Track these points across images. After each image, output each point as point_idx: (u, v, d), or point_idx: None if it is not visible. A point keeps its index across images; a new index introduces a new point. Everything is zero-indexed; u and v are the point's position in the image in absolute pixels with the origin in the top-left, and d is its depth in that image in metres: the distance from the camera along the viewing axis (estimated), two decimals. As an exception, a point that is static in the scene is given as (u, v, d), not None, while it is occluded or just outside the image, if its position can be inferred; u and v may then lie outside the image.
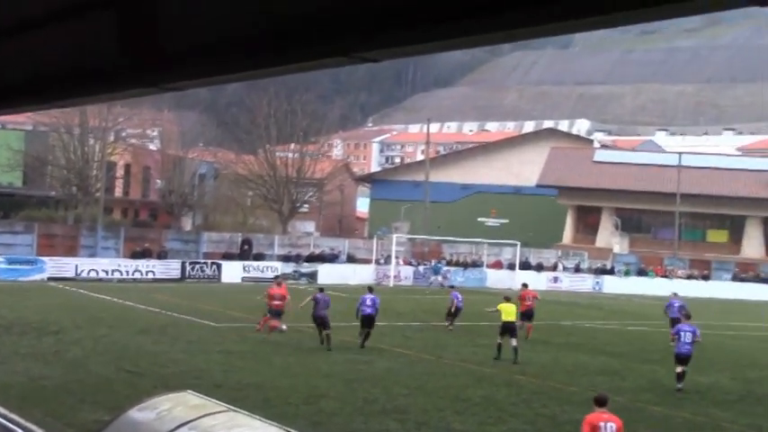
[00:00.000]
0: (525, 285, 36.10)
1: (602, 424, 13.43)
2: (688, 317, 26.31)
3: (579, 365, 27.13)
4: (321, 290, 30.42)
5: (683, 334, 24.41)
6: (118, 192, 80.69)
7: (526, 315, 33.02)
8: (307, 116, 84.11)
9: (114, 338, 27.66)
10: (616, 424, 13.54)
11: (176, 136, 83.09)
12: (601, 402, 13.79)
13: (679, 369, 24.00)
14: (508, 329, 27.63)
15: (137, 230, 62.21)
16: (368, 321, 28.53)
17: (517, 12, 2.67)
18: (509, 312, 28.08)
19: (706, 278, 70.34)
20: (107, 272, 50.84)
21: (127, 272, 51.32)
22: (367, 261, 60.59)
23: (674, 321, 29.13)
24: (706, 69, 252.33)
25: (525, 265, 64.60)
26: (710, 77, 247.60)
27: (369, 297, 29.05)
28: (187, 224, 79.55)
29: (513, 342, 27.26)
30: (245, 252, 56.84)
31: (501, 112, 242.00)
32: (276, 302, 30.62)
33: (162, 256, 53.70)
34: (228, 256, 55.84)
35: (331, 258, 59.16)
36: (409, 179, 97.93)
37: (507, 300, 29.03)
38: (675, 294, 37.82)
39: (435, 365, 25.38)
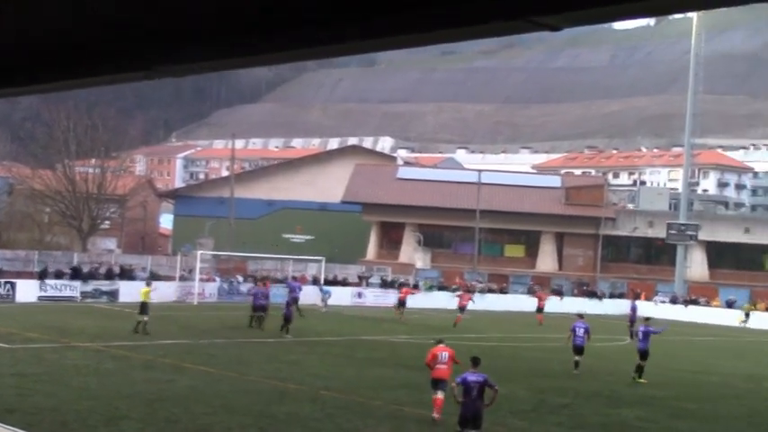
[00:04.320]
0: (403, 284, 61.49)
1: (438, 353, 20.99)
2: (581, 316, 33.47)
3: (383, 380, 27.48)
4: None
5: (577, 329, 31.94)
6: None
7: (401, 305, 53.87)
8: (108, 131, 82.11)
9: None
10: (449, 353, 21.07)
11: (-34, 150, 79.48)
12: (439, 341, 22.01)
13: (576, 358, 31.58)
14: (144, 308, 36.19)
15: None
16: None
17: (311, 30, 2.71)
18: (144, 294, 36.92)
19: (503, 291, 72.70)
20: None
21: None
22: (171, 278, 59.55)
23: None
24: (503, 90, 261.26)
25: (331, 281, 64.97)
26: (507, 98, 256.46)
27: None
28: (-22, 242, 75.98)
29: (145, 318, 35.81)
30: (77, 272, 54.74)
31: (306, 128, 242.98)
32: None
33: (-51, 275, 50.98)
34: (24, 275, 53.59)
35: (132, 275, 57.74)
36: (214, 195, 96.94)
37: (148, 285, 39.36)
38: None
39: (239, 383, 25.16)
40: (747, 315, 69.39)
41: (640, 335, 31.86)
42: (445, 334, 42.07)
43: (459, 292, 60.79)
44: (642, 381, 30.55)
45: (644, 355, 31.23)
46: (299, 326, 39.94)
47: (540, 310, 58.99)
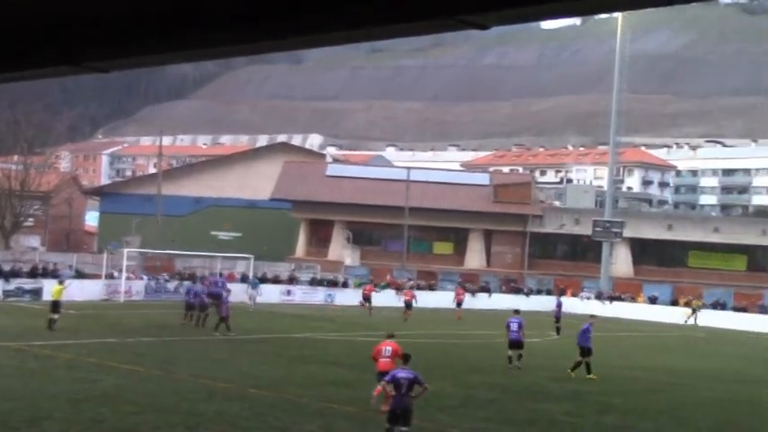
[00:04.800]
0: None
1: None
2: (517, 312, 34.25)
3: (312, 377, 27.44)
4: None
5: (511, 324, 32.47)
6: None
7: (366, 301, 57.68)
8: (32, 126, 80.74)
9: None
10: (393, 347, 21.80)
11: None
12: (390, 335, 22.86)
13: (510, 353, 32.25)
14: (56, 306, 36.31)
15: None
16: None
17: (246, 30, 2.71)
18: (56, 292, 37.04)
19: (432, 288, 73.06)
20: None
21: None
22: (97, 276, 58.77)
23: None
24: (432, 88, 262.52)
25: (260, 279, 64.65)
26: (436, 95, 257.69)
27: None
28: None
29: (56, 316, 35.95)
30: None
31: (234, 125, 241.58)
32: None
33: None
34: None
35: (56, 274, 56.70)
36: (141, 192, 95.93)
37: (60, 283, 39.22)
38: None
39: (167, 381, 24.90)
40: (695, 311, 69.54)
41: (581, 332, 32.27)
42: (377, 331, 42.23)
43: (404, 290, 63.09)
44: (572, 377, 30.97)
45: (584, 351, 31.65)
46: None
47: (458, 304, 60.39)
